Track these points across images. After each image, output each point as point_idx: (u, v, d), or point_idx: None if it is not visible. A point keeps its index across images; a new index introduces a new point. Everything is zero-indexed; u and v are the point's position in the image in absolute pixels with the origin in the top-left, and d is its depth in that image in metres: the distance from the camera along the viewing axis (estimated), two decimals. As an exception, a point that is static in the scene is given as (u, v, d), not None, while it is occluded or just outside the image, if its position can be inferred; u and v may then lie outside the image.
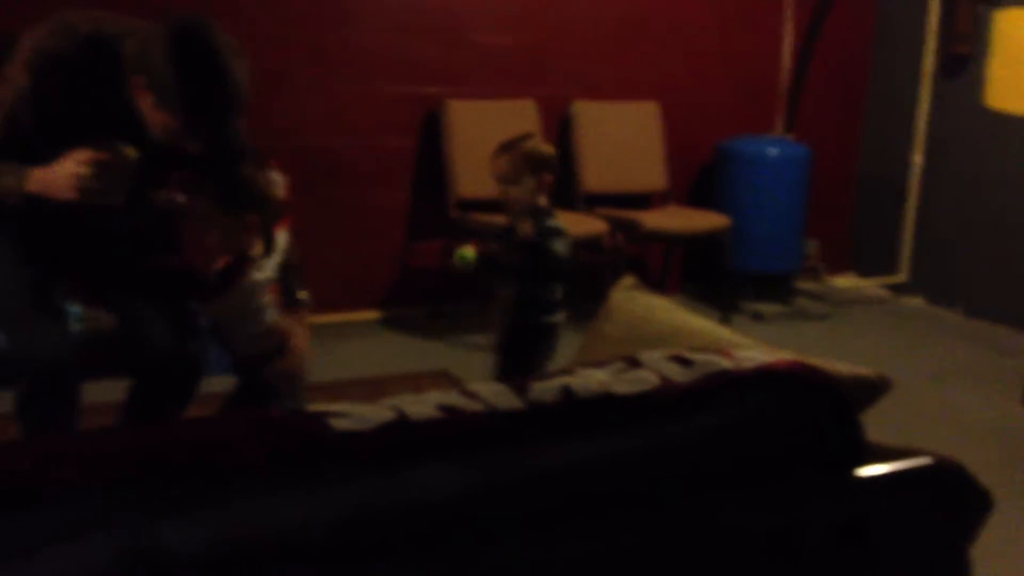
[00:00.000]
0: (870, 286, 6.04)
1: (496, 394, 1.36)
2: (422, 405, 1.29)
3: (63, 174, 2.25)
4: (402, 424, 1.25)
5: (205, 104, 2.26)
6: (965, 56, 5.57)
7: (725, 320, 5.23)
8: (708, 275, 5.67)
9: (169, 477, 1.09)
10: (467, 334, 4.86)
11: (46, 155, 2.29)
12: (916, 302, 5.87)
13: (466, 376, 4.09)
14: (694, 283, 5.78)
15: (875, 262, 6.05)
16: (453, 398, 1.33)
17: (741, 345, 1.77)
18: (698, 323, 2.13)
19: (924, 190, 5.81)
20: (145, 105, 2.28)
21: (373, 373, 4.25)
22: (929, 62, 5.72)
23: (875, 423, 4.14)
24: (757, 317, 5.44)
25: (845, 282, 6.08)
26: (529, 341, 3.22)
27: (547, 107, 5.25)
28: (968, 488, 1.77)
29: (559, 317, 3.24)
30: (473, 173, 5.00)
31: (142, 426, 2.48)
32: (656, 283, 5.70)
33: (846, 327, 5.43)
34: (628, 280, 2.38)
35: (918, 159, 5.80)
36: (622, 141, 5.42)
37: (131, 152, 2.30)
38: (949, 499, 1.74)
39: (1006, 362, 4.69)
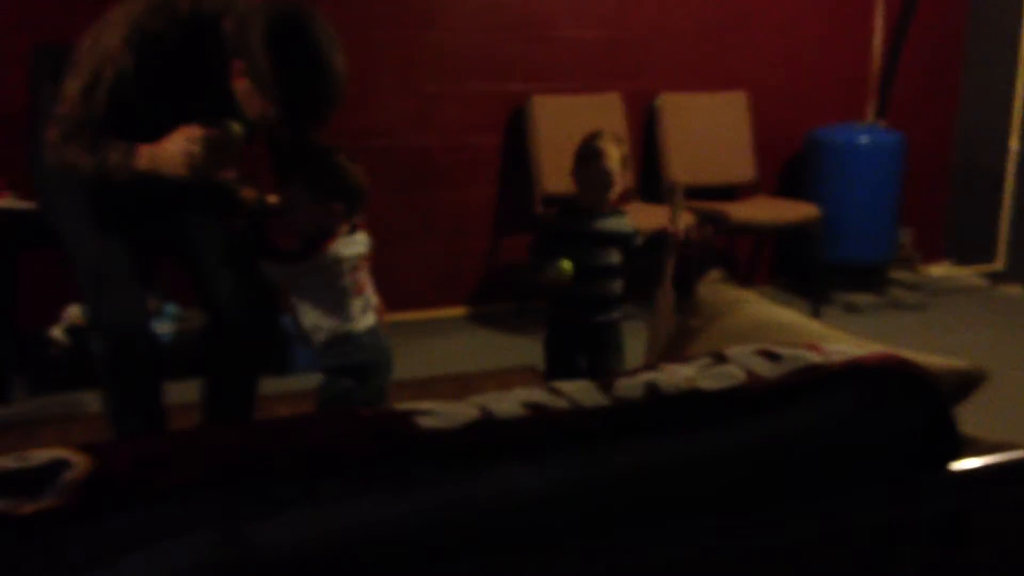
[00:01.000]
0: (966, 275, 5.88)
1: (581, 391, 1.36)
2: (508, 403, 1.30)
3: (174, 151, 2.27)
4: (488, 422, 1.26)
5: (302, 95, 2.27)
6: (1066, 36, 5.40)
7: (816, 312, 5.15)
8: (799, 267, 5.58)
9: (261, 477, 1.12)
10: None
11: (149, 133, 2.31)
12: (1014, 290, 5.69)
13: (554, 371, 4.10)
14: (784, 275, 5.70)
15: (971, 250, 5.89)
16: (539, 395, 1.34)
17: (831, 338, 1.75)
18: (786, 316, 2.11)
19: (1021, 176, 5.64)
20: (242, 88, 2.28)
21: (460, 369, 4.28)
22: (1027, 44, 5.56)
23: (974, 416, 4.05)
24: (850, 308, 5.34)
25: (940, 271, 5.93)
26: (615, 338, 3.20)
27: (632, 100, 5.22)
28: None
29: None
30: (558, 169, 5.00)
31: (234, 426, 2.54)
32: (745, 276, 5.64)
33: (942, 317, 5.30)
34: (715, 274, 2.37)
35: (1015, 145, 5.63)
36: (709, 132, 5.37)
37: (238, 128, 2.33)
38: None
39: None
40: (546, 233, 3.20)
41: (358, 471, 1.16)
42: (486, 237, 5.13)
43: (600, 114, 5.14)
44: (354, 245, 2.76)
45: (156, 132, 2.31)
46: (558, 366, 3.16)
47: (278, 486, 1.12)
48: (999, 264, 5.76)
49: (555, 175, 4.98)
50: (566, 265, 2.96)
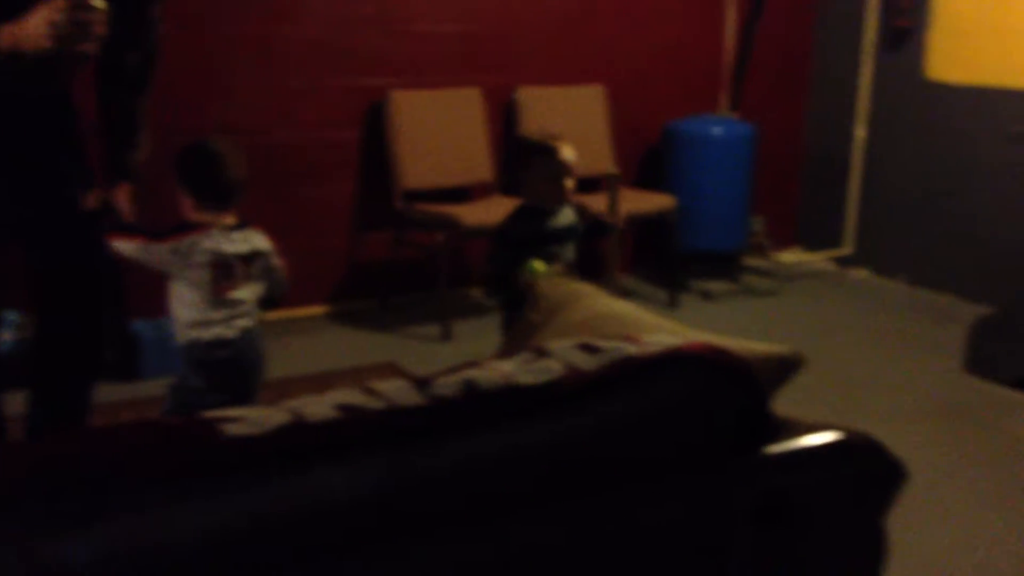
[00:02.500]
0: (816, 260, 6.09)
1: (397, 391, 1.37)
2: (320, 406, 1.30)
3: (37, 22, 2.26)
4: (298, 426, 1.25)
5: None
6: (906, 29, 5.62)
7: (673, 301, 5.27)
8: (657, 256, 5.70)
9: (58, 491, 1.10)
10: (416, 325, 4.86)
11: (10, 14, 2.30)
12: (861, 274, 5.93)
13: (416, 367, 4.10)
14: (644, 265, 5.81)
15: (821, 236, 6.11)
16: (353, 396, 1.34)
17: (654, 329, 1.79)
18: (621, 308, 2.15)
19: (867, 164, 5.87)
20: None
21: (323, 369, 4.24)
22: (870, 36, 5.77)
23: (820, 393, 4.23)
24: (706, 296, 5.48)
25: (792, 257, 6.13)
26: None
27: (492, 95, 5.25)
28: (881, 460, 1.81)
29: None
30: (418, 163, 5.00)
31: (33, 437, 2.47)
32: (606, 266, 5.73)
33: (794, 301, 5.48)
34: (555, 268, 2.40)
35: (861, 133, 5.85)
36: (568, 126, 5.39)
37: (100, 2, 2.33)
38: (862, 473, 1.77)
39: (948, 329, 4.76)
40: (505, 240, 3.18)
41: (161, 482, 1.14)
42: (346, 234, 5.09)
43: (460, 108, 5.16)
44: (233, 242, 2.71)
45: (18, 12, 2.30)
46: None
47: (74, 500, 1.09)
48: (847, 249, 5.99)
49: (415, 170, 4.98)
50: (539, 266, 2.96)
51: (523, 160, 3.21)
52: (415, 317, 4.94)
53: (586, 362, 1.51)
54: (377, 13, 4.96)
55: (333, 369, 4.24)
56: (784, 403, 1.83)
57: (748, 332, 4.60)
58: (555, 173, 3.14)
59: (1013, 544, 3.06)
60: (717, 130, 5.54)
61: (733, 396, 1.60)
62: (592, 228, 3.42)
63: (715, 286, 5.62)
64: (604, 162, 5.49)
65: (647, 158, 5.79)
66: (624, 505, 1.50)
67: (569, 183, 3.19)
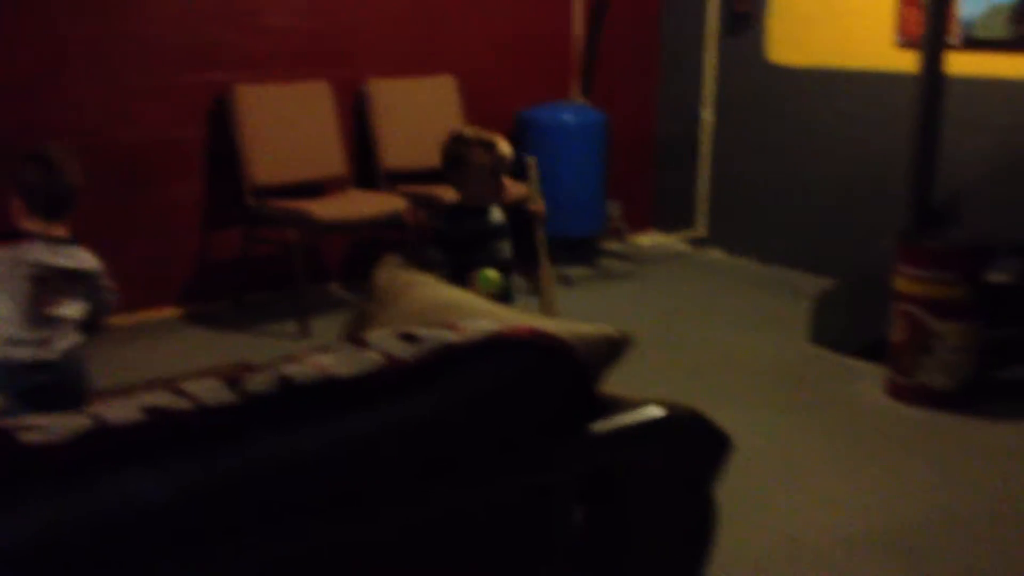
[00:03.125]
0: (672, 242, 6.23)
1: (207, 390, 1.34)
2: (125, 409, 1.27)
3: None
4: (100, 431, 1.22)
5: None
6: (747, 14, 5.78)
7: (534, 287, 5.31)
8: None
9: None
10: (273, 323, 4.79)
11: None
12: (715, 254, 6.09)
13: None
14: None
15: (676, 219, 6.24)
16: (161, 398, 1.31)
17: (481, 315, 1.80)
18: (454, 296, 2.16)
19: (716, 146, 6.02)
20: None
21: (173, 373, 4.14)
22: (713, 21, 5.92)
23: (673, 371, 4.31)
24: (566, 281, 5.54)
25: (648, 240, 6.26)
26: None
27: (341, 88, 5.20)
28: (707, 433, 1.86)
29: None
30: (268, 159, 4.92)
31: None
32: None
33: (651, 283, 5.59)
34: (391, 258, 2.38)
35: (708, 117, 6.00)
36: (420, 117, 5.42)
37: None
38: (688, 446, 1.82)
39: (796, 304, 4.92)
40: (446, 242, 3.12)
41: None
42: (197, 233, 4.98)
43: (308, 102, 5.10)
44: (58, 256, 2.62)
45: None
46: None
47: None
48: (701, 231, 6.14)
49: (265, 166, 4.90)
50: (492, 275, 2.96)
51: (460, 157, 3.14)
52: (272, 315, 4.87)
53: (405, 351, 1.52)
54: (218, 6, 4.86)
55: (183, 373, 4.13)
56: (637, 382, 1.87)
57: (607, 315, 4.69)
58: (493, 168, 3.13)
59: (859, 505, 3.19)
60: (569, 117, 5.61)
61: (555, 377, 1.62)
62: (520, 221, 3.45)
63: (574, 271, 5.70)
64: (458, 152, 5.50)
65: (502, 147, 5.82)
66: (448, 492, 1.51)
67: (505, 180, 3.21)
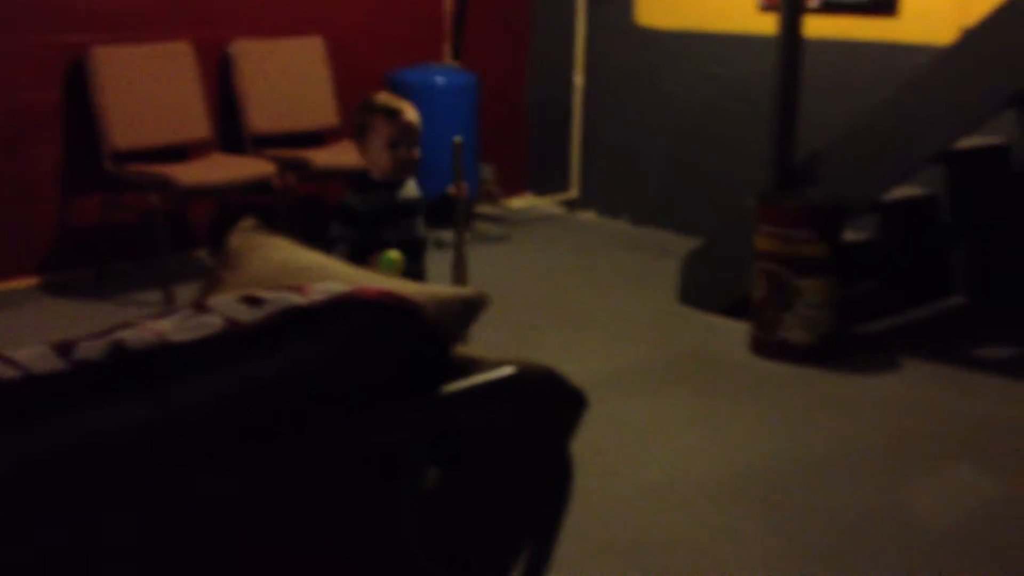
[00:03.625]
0: (546, 204, 6.27)
1: (35, 358, 1.30)
2: (-58, 380, 1.22)
3: None
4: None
5: None
6: (615, -23, 5.82)
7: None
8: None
9: None
10: (136, 292, 4.66)
11: None
12: (588, 216, 6.15)
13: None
14: (377, 217, 5.79)
15: (549, 181, 6.28)
16: (-17, 367, 1.26)
17: (331, 277, 1.78)
18: (310, 259, 2.13)
19: (587, 109, 6.06)
20: None
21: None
22: (582, -16, 5.94)
23: (545, 330, 4.32)
24: (440, 245, 5.52)
25: (522, 203, 6.28)
26: None
27: (203, 49, 5.05)
28: (560, 390, 1.88)
29: None
30: (127, 122, 4.76)
31: None
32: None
33: (525, 246, 5.62)
34: (247, 222, 2.33)
35: (579, 80, 6.03)
36: (287, 79, 5.31)
37: None
38: (542, 403, 1.84)
39: (666, 264, 5.00)
40: (350, 216, 2.91)
41: None
42: (55, 200, 4.79)
43: (169, 64, 4.94)
44: None
45: None
46: None
47: None
48: (574, 193, 6.18)
49: (125, 129, 4.74)
50: (394, 256, 2.72)
51: (364, 125, 2.92)
52: (135, 284, 4.73)
53: (247, 315, 1.49)
54: (73, -36, 4.67)
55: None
56: (508, 342, 1.88)
57: (481, 278, 4.67)
58: (395, 140, 2.89)
59: (721, 455, 3.28)
60: (440, 79, 5.56)
61: (403, 338, 1.61)
62: (437, 201, 3.30)
63: (447, 235, 5.66)
64: (328, 116, 5.42)
65: (373, 110, 5.75)
66: (298, 454, 1.49)
67: (415, 152, 2.98)
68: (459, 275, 3.25)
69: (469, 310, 1.89)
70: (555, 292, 4.83)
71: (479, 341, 2.14)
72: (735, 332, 4.25)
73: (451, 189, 3.20)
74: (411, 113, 2.95)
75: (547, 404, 1.84)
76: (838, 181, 4.08)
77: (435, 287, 1.89)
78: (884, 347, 4.20)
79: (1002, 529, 2.86)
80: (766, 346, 4.07)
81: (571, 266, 5.29)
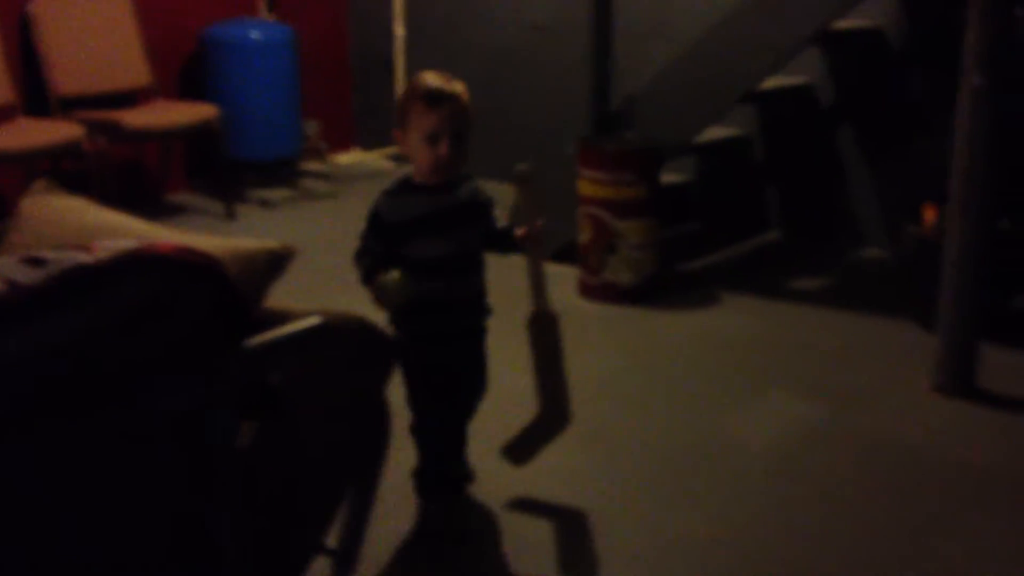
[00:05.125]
0: (373, 159, 6.20)
1: None
2: None
3: None
4: None
5: None
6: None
7: (231, 212, 5.15)
8: (212, 168, 5.53)
9: None
10: None
11: None
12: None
13: None
14: (199, 178, 5.62)
15: (376, 135, 6.20)
16: None
17: (123, 234, 1.72)
18: (112, 219, 2.05)
19: (410, 60, 6.00)
20: None
21: None
22: (398, -67, 5.86)
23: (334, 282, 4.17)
24: (265, 204, 5.41)
25: (350, 158, 6.20)
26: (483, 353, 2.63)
27: (1, 8, 4.77)
28: (373, 340, 1.87)
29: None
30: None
31: None
32: (159, 182, 5.49)
33: (354, 202, 5.53)
34: (41, 184, 2.22)
35: (400, 31, 5.96)
36: (93, 37, 5.07)
37: None
38: (353, 353, 1.83)
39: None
40: (375, 224, 2.39)
41: None
42: None
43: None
44: None
45: None
46: (432, 400, 2.47)
47: None
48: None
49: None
50: (393, 276, 2.25)
51: (402, 113, 2.36)
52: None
53: (28, 276, 1.42)
54: None
55: None
56: (336, 297, 1.85)
57: (309, 236, 4.62)
58: (436, 130, 2.29)
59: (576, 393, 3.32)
60: (255, 34, 5.41)
61: (202, 293, 1.57)
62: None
63: (274, 194, 5.56)
64: (139, 75, 5.20)
65: (188, 68, 5.55)
66: (99, 417, 1.45)
67: (458, 148, 2.35)
68: (539, 300, 2.61)
69: (276, 262, 1.86)
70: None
71: (307, 301, 2.09)
72: (564, 277, 4.31)
73: (519, 230, 2.48)
74: (458, 101, 2.35)
75: (360, 354, 1.83)
76: (654, 124, 4.17)
77: (235, 240, 1.85)
78: (706, 284, 4.34)
79: (823, 450, 3.00)
80: (593, 289, 4.15)
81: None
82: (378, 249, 2.35)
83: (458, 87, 2.36)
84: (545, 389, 2.47)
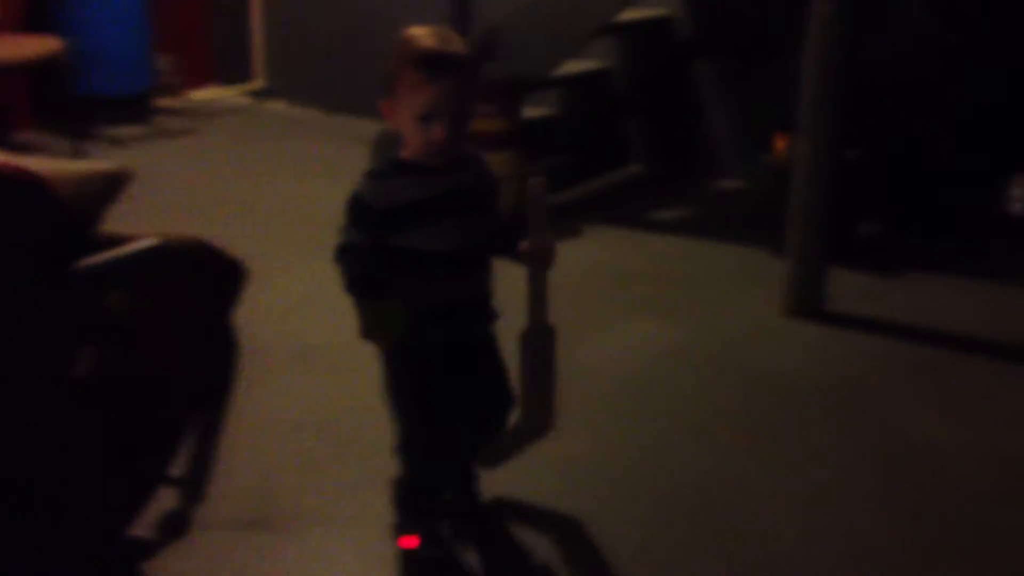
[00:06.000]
0: (232, 95, 6.04)
1: None
2: None
3: None
4: None
5: None
6: None
7: (78, 150, 4.96)
8: (59, 105, 5.30)
9: None
10: None
11: None
12: (278, 106, 5.99)
13: None
14: (46, 114, 5.38)
15: (235, 71, 6.04)
16: None
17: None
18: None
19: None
20: None
21: None
22: None
23: (232, 222, 4.17)
24: (116, 142, 5.22)
25: (206, 95, 6.02)
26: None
27: None
28: (216, 261, 1.83)
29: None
30: None
31: None
32: (3, 119, 5.24)
33: (212, 139, 5.40)
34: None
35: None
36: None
37: None
38: (195, 274, 1.78)
39: (360, 151, 4.95)
40: (359, 212, 1.90)
41: None
42: None
43: None
44: None
45: None
46: (436, 421, 2.06)
47: None
48: (260, 82, 5.99)
49: None
50: (395, 307, 1.87)
51: (393, 73, 1.86)
52: None
53: None
54: None
55: None
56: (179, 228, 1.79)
57: (163, 174, 4.49)
58: (431, 107, 1.82)
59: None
60: (103, -37, 5.18)
61: (27, 212, 1.51)
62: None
63: (126, 131, 5.37)
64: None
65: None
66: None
67: (462, 124, 1.88)
68: (538, 313, 2.12)
69: (112, 185, 1.80)
70: (243, 184, 4.69)
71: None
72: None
73: (523, 244, 1.98)
74: (460, 70, 1.84)
75: (202, 276, 1.79)
76: (514, 57, 4.16)
77: (69, 162, 1.78)
78: (569, 217, 4.37)
79: (674, 372, 3.07)
80: (456, 222, 4.13)
81: (260, 158, 5.14)
82: (365, 244, 1.88)
83: (460, 47, 1.85)
84: (530, 400, 2.11)
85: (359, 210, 1.90)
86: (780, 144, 3.83)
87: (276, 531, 2.26)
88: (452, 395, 2.02)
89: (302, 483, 2.46)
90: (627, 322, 3.41)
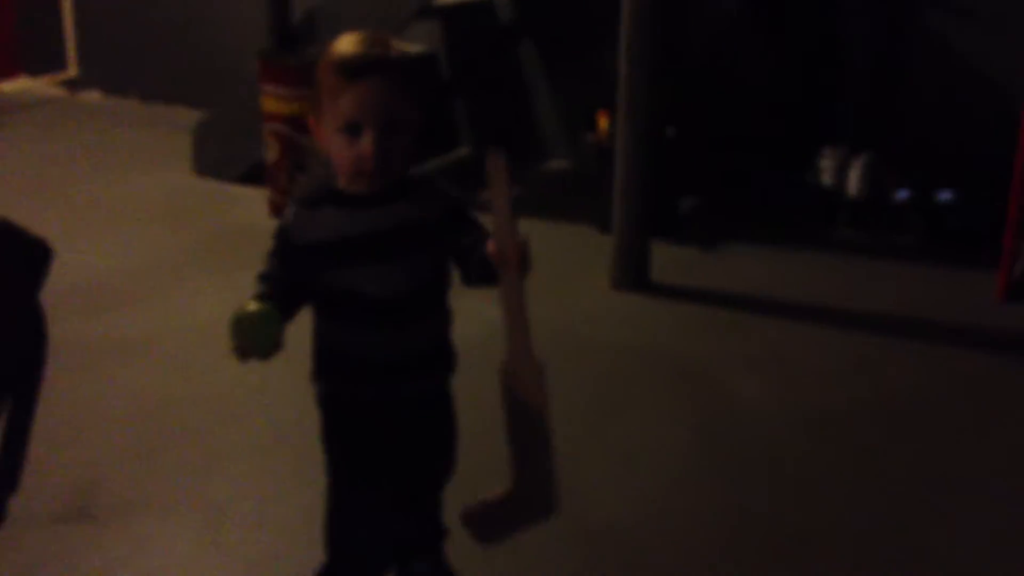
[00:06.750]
0: (42, 87, 5.79)
1: None
2: None
3: None
4: None
5: None
6: None
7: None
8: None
9: None
10: None
11: None
12: (93, 96, 5.77)
13: None
14: None
15: (45, 62, 5.79)
16: None
17: None
18: None
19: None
20: None
21: None
22: None
23: (51, 219, 4.00)
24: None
25: (16, 86, 5.76)
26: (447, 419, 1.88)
27: None
28: (15, 240, 1.76)
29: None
30: None
31: None
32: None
33: (20, 132, 5.17)
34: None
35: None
36: None
37: None
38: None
39: (181, 139, 4.82)
40: (279, 245, 1.68)
41: None
42: None
43: None
44: None
45: None
46: (359, 484, 1.77)
47: None
48: (73, 72, 5.76)
49: None
50: (249, 311, 1.54)
51: (317, 81, 1.64)
52: None
53: None
54: None
55: None
56: None
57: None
58: (354, 117, 1.56)
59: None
60: None
61: None
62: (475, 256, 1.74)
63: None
64: None
65: None
66: None
67: (395, 140, 1.60)
68: (518, 343, 1.82)
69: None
70: (59, 178, 4.51)
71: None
72: (253, 199, 4.22)
73: (490, 244, 1.65)
74: (388, 73, 1.60)
75: (4, 257, 1.71)
76: (334, 37, 4.12)
77: None
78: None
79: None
80: (284, 208, 4.07)
81: (77, 150, 4.94)
82: (284, 278, 1.65)
83: (384, 49, 1.62)
84: (522, 461, 1.68)
85: (280, 243, 1.67)
86: (603, 123, 3.92)
87: (101, 523, 2.20)
88: (379, 459, 1.75)
89: (129, 474, 2.39)
90: (455, 300, 3.44)
